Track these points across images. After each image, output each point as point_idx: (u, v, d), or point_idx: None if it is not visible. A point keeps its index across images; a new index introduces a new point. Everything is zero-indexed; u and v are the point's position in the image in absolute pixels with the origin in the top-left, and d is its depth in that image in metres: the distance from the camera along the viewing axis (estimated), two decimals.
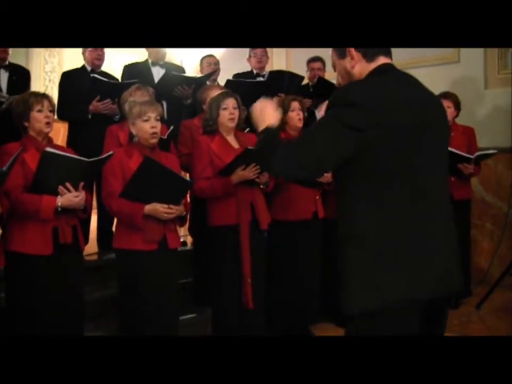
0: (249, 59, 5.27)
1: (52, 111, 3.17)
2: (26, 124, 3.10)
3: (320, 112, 4.35)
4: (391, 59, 1.92)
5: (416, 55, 5.33)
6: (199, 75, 5.08)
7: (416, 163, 1.78)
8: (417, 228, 1.77)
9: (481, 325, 4.19)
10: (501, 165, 5.24)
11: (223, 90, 3.93)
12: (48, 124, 3.11)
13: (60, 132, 5.30)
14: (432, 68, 5.54)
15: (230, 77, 5.06)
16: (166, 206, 3.13)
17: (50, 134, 3.20)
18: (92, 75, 4.44)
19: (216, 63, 5.11)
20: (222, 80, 5.04)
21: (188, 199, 3.49)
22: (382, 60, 1.88)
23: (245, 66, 5.35)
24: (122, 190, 3.12)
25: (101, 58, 4.63)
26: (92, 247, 4.39)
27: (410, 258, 1.76)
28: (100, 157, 3.10)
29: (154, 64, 4.87)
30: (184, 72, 5.18)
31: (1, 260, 2.95)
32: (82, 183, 3.01)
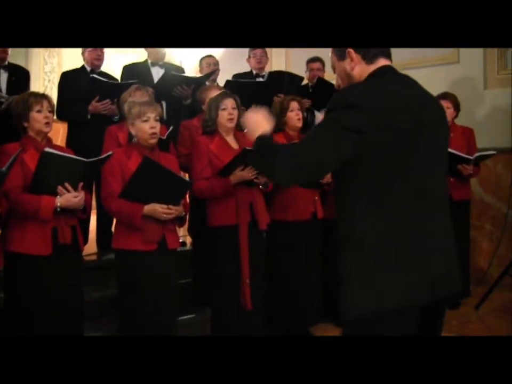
0: (248, 59, 5.27)
1: (51, 111, 3.17)
2: (25, 124, 3.10)
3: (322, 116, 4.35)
4: (391, 61, 1.92)
5: (415, 55, 5.34)
6: (198, 75, 5.09)
7: (415, 164, 1.78)
8: (417, 228, 1.78)
9: (480, 325, 4.19)
10: (500, 166, 5.24)
11: (222, 90, 3.93)
12: (47, 124, 3.11)
13: (59, 132, 5.29)
14: (431, 68, 5.55)
15: (230, 78, 5.06)
16: (165, 206, 3.13)
17: (49, 134, 3.20)
18: (91, 75, 4.44)
19: (216, 63, 5.11)
20: (221, 80, 5.04)
21: (187, 200, 3.49)
22: (381, 62, 1.88)
23: (244, 67, 5.36)
24: (121, 191, 3.12)
25: (100, 59, 4.63)
26: (91, 247, 4.39)
27: (411, 258, 1.76)
28: (99, 157, 3.10)
29: (153, 64, 4.87)
30: (183, 72, 5.18)
31: (1, 260, 2.95)
32: (81, 184, 3.01)
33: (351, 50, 1.88)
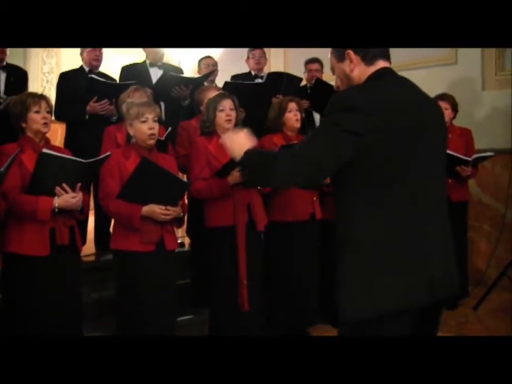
0: (247, 60, 5.27)
1: (50, 112, 3.17)
2: (23, 125, 3.10)
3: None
4: (390, 62, 1.92)
5: (413, 56, 5.34)
6: (196, 76, 5.09)
7: (414, 166, 1.78)
8: (416, 230, 1.78)
9: (478, 326, 4.19)
10: (499, 167, 5.25)
11: (220, 91, 3.93)
12: (45, 124, 3.11)
13: (57, 133, 5.29)
14: (429, 69, 5.56)
15: (228, 78, 5.07)
16: (163, 207, 3.12)
17: (48, 135, 3.20)
18: (89, 75, 4.44)
19: (214, 64, 5.12)
20: (220, 81, 5.04)
21: (186, 201, 3.49)
22: (381, 64, 1.88)
23: (243, 68, 5.36)
24: (119, 191, 3.12)
25: (98, 59, 4.63)
26: (89, 248, 4.38)
27: (409, 260, 1.76)
28: (97, 158, 3.10)
29: (152, 65, 4.87)
30: (182, 73, 5.18)
31: None
32: (79, 184, 3.01)
33: (350, 51, 1.87)
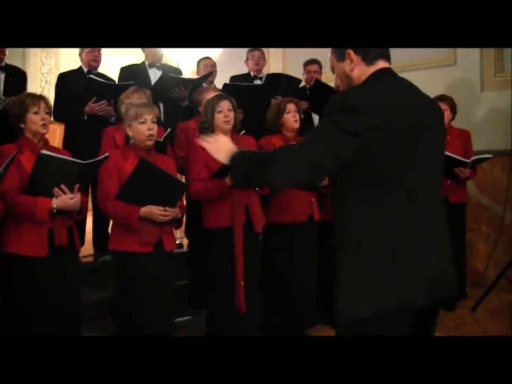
0: (246, 61, 5.27)
1: (48, 112, 3.16)
2: (22, 126, 3.10)
3: None
4: (390, 63, 1.92)
5: (412, 57, 5.34)
6: (195, 77, 5.08)
7: (412, 165, 1.79)
8: (415, 229, 1.78)
9: (476, 327, 4.19)
10: (497, 168, 5.25)
11: (218, 92, 3.93)
12: (44, 125, 3.10)
13: (56, 133, 5.30)
14: (428, 71, 5.56)
15: (227, 79, 5.07)
16: (161, 208, 3.12)
17: (46, 135, 3.19)
18: (87, 76, 4.44)
19: (213, 65, 5.12)
20: (219, 82, 5.04)
21: (184, 202, 3.49)
22: (381, 64, 1.88)
23: (242, 69, 5.36)
24: (118, 192, 3.12)
25: (97, 60, 4.63)
26: (87, 248, 4.38)
27: (409, 259, 1.76)
28: (95, 159, 3.10)
29: (151, 66, 4.87)
30: (181, 74, 5.18)
31: None
32: (77, 185, 3.01)
33: (350, 51, 1.87)
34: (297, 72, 5.32)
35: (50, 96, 4.28)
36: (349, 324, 1.78)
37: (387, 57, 1.91)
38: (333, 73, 1.99)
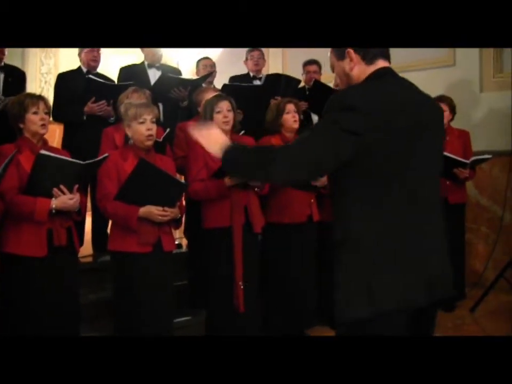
0: (246, 62, 5.27)
1: (48, 113, 3.16)
2: (21, 126, 3.10)
3: None
4: (390, 62, 1.92)
5: (412, 58, 5.34)
6: (195, 77, 5.08)
7: (412, 165, 1.79)
8: (415, 229, 1.78)
9: (475, 328, 4.19)
10: (496, 169, 5.25)
11: (217, 93, 3.93)
12: (43, 126, 3.10)
13: (55, 133, 5.30)
14: (428, 71, 5.56)
15: (226, 80, 5.07)
16: (160, 208, 3.12)
17: (45, 135, 3.19)
18: (87, 76, 4.44)
19: (212, 65, 5.12)
20: (218, 82, 5.04)
21: (183, 202, 3.49)
22: (381, 64, 1.88)
23: (241, 69, 5.35)
24: (117, 192, 3.12)
25: (96, 60, 4.63)
26: (86, 249, 4.38)
27: (409, 259, 1.76)
28: (94, 160, 3.10)
29: (150, 66, 4.87)
30: (180, 74, 5.18)
31: None
32: (76, 186, 3.01)
33: (350, 50, 1.87)
34: (297, 72, 5.32)
35: (50, 96, 4.28)
36: (349, 324, 1.78)
37: (387, 57, 1.91)
38: (333, 71, 1.99)
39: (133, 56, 6.22)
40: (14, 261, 2.97)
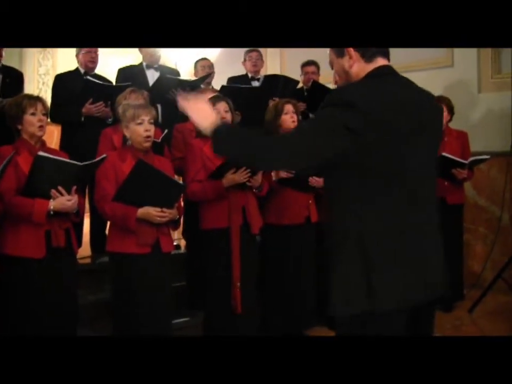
0: (244, 62, 5.27)
1: (45, 114, 3.16)
2: (19, 127, 3.09)
3: None
4: (389, 60, 1.91)
5: (410, 59, 5.33)
6: (193, 78, 5.08)
7: (412, 165, 1.79)
8: (415, 229, 1.79)
9: (474, 328, 4.20)
10: (494, 170, 5.26)
11: (215, 94, 3.93)
12: (41, 127, 3.10)
13: (53, 135, 5.29)
14: (426, 72, 5.55)
15: (225, 80, 5.07)
16: (159, 209, 3.12)
17: (44, 137, 3.19)
18: (84, 77, 4.43)
19: (211, 66, 5.12)
20: (216, 83, 5.04)
21: (181, 203, 3.49)
22: (380, 61, 1.88)
23: (239, 70, 5.35)
24: (115, 193, 3.11)
25: (94, 61, 4.62)
26: (85, 250, 4.37)
27: (409, 259, 1.77)
28: (92, 161, 3.10)
29: (148, 67, 4.86)
30: (178, 75, 5.17)
31: None
32: (75, 187, 3.00)
33: (350, 47, 1.87)
34: (295, 73, 5.31)
35: (48, 97, 4.27)
36: (349, 323, 1.78)
37: (386, 55, 1.90)
38: (332, 68, 1.98)
39: (131, 57, 6.21)
40: (13, 262, 2.97)
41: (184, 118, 4.46)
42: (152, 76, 4.80)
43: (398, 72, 1.90)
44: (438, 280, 1.84)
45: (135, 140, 3.21)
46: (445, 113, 4.59)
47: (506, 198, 5.06)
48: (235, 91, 4.47)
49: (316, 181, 3.77)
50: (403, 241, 1.77)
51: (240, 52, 5.31)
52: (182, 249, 4.74)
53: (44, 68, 7.75)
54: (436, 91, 4.79)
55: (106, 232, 3.47)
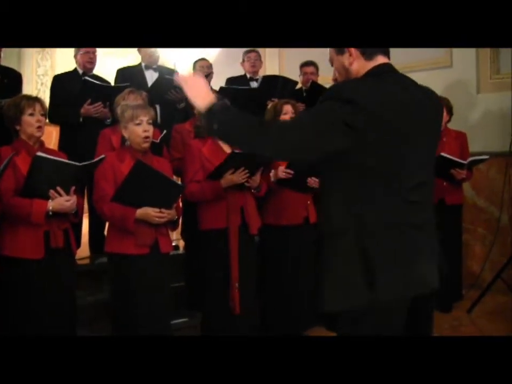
0: (242, 63, 5.27)
1: (44, 115, 3.16)
2: (17, 128, 3.09)
3: None
4: (389, 58, 1.91)
5: (409, 59, 5.33)
6: None
7: (412, 165, 1.79)
8: (415, 229, 1.79)
9: (472, 329, 4.19)
10: (493, 170, 5.26)
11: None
12: (39, 128, 3.10)
13: (52, 135, 5.28)
14: (425, 72, 5.55)
15: (223, 81, 5.07)
16: (157, 210, 3.12)
17: (42, 138, 3.18)
18: (83, 78, 4.43)
19: (209, 66, 5.11)
20: (215, 83, 5.03)
21: (180, 203, 3.49)
22: (380, 59, 1.88)
23: (238, 70, 5.35)
24: (114, 194, 3.11)
25: (92, 62, 4.61)
26: (83, 251, 4.37)
27: (408, 259, 1.77)
28: (91, 161, 3.10)
29: (147, 67, 4.87)
30: None
31: None
32: (73, 187, 3.00)
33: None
34: (294, 74, 5.32)
35: (46, 98, 4.26)
36: (348, 324, 1.79)
37: (386, 53, 1.90)
38: (332, 65, 1.98)
39: (129, 57, 6.21)
40: (11, 263, 2.97)
41: (183, 118, 4.52)
42: (151, 77, 4.80)
43: (397, 71, 1.90)
44: (436, 279, 1.85)
45: (133, 140, 3.21)
46: (444, 114, 4.59)
47: (505, 198, 5.06)
48: (234, 92, 4.47)
49: (314, 181, 3.77)
50: (403, 241, 1.77)
51: (238, 53, 5.32)
52: (181, 250, 4.73)
53: (42, 69, 7.74)
54: (435, 91, 4.83)
55: (105, 232, 3.47)
